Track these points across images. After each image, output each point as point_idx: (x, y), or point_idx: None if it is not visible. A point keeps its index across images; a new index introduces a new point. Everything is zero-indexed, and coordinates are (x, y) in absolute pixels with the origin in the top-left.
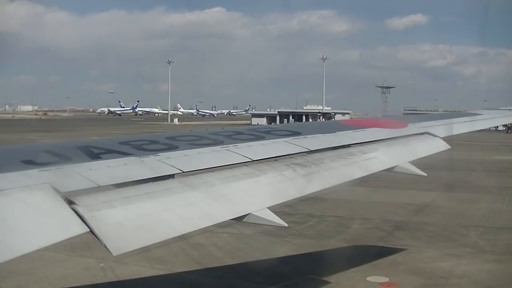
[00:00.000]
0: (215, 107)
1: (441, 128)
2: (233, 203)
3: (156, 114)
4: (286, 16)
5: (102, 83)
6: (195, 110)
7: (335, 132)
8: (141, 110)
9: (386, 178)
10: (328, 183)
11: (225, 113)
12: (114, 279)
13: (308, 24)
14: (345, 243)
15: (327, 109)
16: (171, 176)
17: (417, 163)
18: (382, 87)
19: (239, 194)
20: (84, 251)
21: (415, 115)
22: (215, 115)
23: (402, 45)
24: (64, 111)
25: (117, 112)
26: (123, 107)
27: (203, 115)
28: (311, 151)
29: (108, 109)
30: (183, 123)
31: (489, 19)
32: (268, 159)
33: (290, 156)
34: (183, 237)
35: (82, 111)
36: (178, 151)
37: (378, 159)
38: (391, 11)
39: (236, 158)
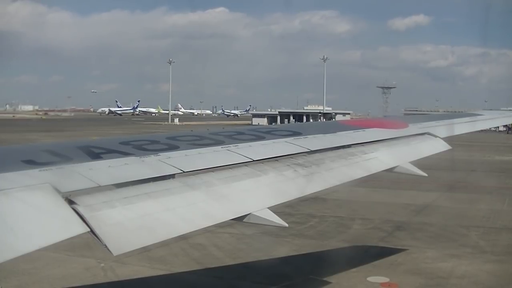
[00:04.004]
0: (215, 107)
1: (441, 128)
2: (233, 203)
3: (153, 114)
4: (289, 17)
5: (103, 83)
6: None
7: (335, 132)
8: (139, 110)
9: (387, 179)
10: (329, 183)
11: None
12: (115, 279)
13: (310, 25)
14: (346, 244)
15: (327, 109)
16: (172, 176)
17: (418, 163)
18: (382, 88)
19: (239, 194)
20: (84, 251)
21: (415, 115)
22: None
23: (404, 46)
24: (64, 111)
25: (117, 112)
26: (120, 107)
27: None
28: (311, 151)
29: (109, 109)
30: (184, 123)
31: (491, 19)
32: (268, 159)
33: (291, 156)
34: (183, 237)
35: (83, 111)
36: (178, 151)
37: (379, 160)
38: (393, 11)
39: (236, 158)
